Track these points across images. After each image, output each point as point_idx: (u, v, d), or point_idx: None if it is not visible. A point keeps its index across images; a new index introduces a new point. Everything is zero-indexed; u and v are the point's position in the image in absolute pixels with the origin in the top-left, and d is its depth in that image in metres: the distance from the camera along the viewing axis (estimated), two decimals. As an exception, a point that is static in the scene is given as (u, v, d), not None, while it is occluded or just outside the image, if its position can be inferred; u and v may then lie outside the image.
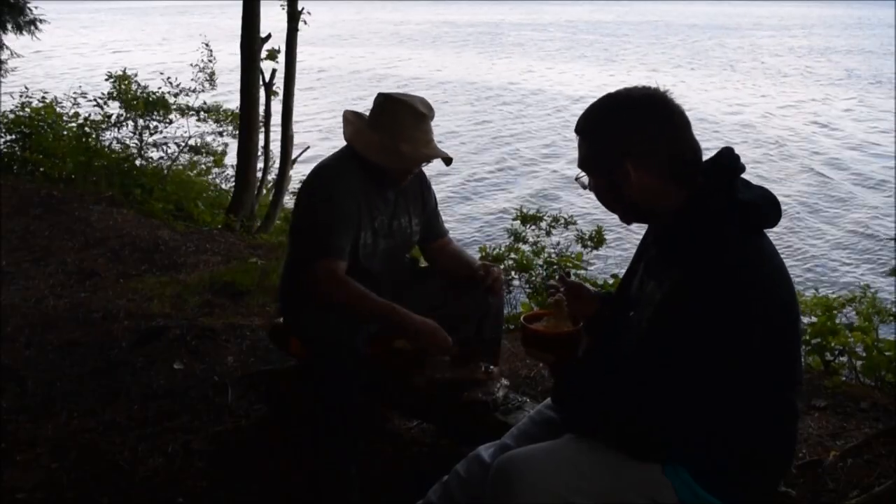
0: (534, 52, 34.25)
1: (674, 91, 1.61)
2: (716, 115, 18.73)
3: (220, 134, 9.31)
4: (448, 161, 2.44)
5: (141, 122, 8.56)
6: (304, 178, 2.53)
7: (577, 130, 1.63)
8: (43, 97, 8.92)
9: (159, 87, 8.78)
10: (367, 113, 2.49)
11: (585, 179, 1.65)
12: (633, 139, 1.53)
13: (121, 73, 8.74)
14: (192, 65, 8.95)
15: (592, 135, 1.60)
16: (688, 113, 1.58)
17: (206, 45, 9.00)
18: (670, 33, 43.98)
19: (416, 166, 2.43)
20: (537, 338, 1.72)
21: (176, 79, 8.81)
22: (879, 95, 22.14)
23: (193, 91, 8.92)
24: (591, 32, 44.59)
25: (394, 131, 2.35)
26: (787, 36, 42.08)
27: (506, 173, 14.22)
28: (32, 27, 8.85)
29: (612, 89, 1.63)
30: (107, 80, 8.59)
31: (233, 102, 9.09)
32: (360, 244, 2.40)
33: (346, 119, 2.47)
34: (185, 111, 8.80)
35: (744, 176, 1.56)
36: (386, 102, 2.41)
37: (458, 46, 37.13)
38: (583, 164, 1.63)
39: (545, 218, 6.07)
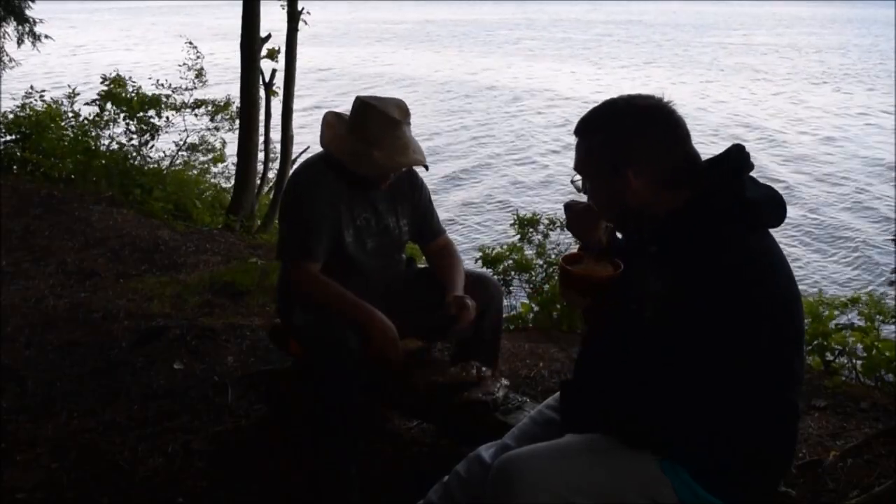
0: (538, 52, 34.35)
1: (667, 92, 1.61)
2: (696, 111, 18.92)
3: (217, 129, 9.29)
4: (425, 167, 2.39)
5: (134, 123, 8.53)
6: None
7: (578, 132, 1.61)
8: (41, 96, 8.90)
9: (151, 86, 8.77)
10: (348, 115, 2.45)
11: (581, 182, 1.64)
12: (636, 147, 1.52)
13: (114, 74, 8.71)
14: (180, 65, 8.96)
15: (594, 139, 1.58)
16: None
17: (190, 42, 8.99)
18: (658, 32, 44.10)
19: (390, 172, 2.39)
20: (578, 279, 1.68)
21: (166, 80, 8.83)
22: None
23: (186, 89, 8.91)
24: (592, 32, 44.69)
25: (367, 138, 2.31)
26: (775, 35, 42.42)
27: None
28: (33, 37, 8.86)
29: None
30: (102, 82, 8.57)
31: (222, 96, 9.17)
32: (346, 243, 2.40)
33: (326, 122, 2.43)
34: (179, 108, 8.79)
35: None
36: (360, 107, 2.36)
37: (456, 45, 37.25)
38: (580, 166, 1.62)
39: (542, 221, 6.10)
